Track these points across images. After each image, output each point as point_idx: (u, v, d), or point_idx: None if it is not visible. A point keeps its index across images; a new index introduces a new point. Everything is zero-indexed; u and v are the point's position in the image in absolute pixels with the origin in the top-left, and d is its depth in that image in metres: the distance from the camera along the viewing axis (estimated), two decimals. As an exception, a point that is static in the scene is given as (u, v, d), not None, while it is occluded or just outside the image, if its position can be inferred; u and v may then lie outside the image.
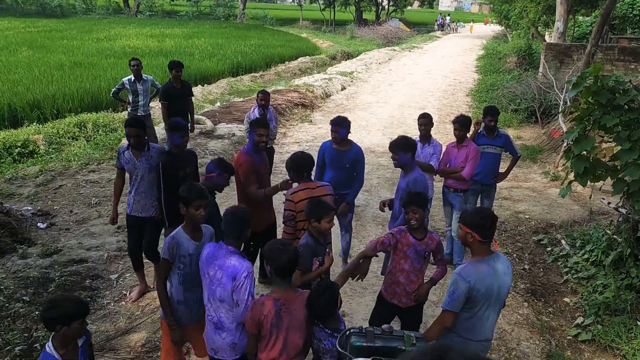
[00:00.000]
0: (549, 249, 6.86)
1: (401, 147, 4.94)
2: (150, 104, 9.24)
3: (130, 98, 8.82)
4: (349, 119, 5.88)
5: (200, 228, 3.77)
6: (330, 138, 5.93)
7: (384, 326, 3.35)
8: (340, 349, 3.36)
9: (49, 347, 2.97)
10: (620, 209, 6.21)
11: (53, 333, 2.97)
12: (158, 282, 3.81)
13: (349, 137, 5.89)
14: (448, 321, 3.36)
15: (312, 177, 5.17)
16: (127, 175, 5.31)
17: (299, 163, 4.71)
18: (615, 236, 6.01)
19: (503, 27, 38.94)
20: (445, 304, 3.32)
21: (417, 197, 4.06)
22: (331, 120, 5.80)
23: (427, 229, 4.21)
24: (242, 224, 3.52)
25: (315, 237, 3.98)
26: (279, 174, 8.52)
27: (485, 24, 65.10)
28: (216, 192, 4.74)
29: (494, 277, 3.29)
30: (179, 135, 5.14)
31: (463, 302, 3.29)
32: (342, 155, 5.74)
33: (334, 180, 5.71)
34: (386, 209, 5.46)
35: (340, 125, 5.67)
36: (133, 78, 8.77)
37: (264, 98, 7.66)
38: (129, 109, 8.98)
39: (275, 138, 8.20)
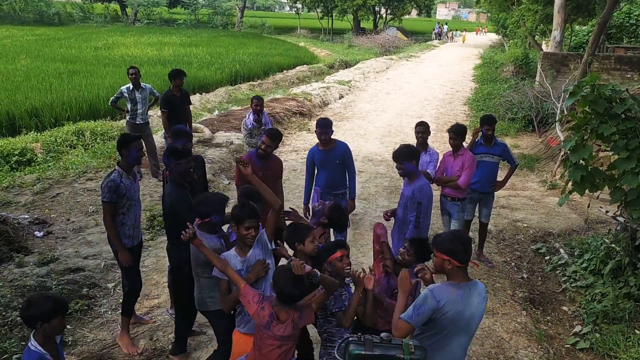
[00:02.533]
0: (548, 257, 6.87)
1: (405, 157, 4.94)
2: (148, 112, 9.25)
3: (129, 106, 8.83)
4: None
5: (251, 245, 3.74)
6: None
7: (383, 334, 3.34)
8: (338, 357, 3.35)
9: (33, 345, 3.02)
10: (618, 218, 6.23)
11: (34, 331, 3.03)
12: (229, 298, 3.71)
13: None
14: (401, 332, 3.11)
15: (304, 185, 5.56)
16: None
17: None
18: (613, 245, 6.01)
19: (499, 36, 39.17)
20: (406, 315, 3.11)
21: (425, 251, 3.83)
22: (318, 123, 6.05)
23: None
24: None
25: None
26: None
27: (477, 34, 65.18)
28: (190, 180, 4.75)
29: (467, 304, 3.11)
30: (182, 141, 5.23)
31: (424, 321, 3.09)
32: (330, 154, 6.00)
33: (329, 181, 5.99)
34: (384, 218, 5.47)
35: (329, 126, 6.00)
36: (131, 86, 8.78)
37: (258, 103, 7.82)
38: (127, 118, 8.99)
39: None
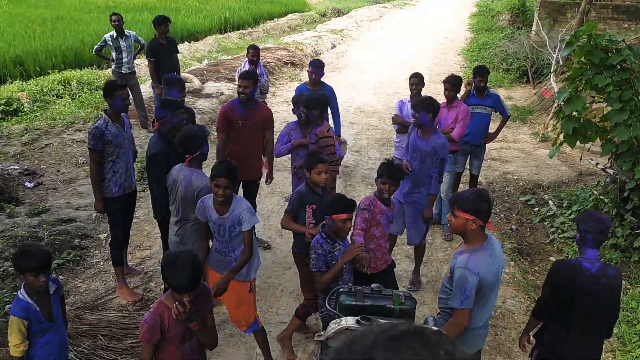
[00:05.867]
0: (536, 209, 6.93)
1: (423, 107, 4.81)
2: (134, 61, 9.02)
3: (114, 55, 8.59)
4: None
5: (228, 203, 3.68)
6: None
7: (373, 285, 3.40)
8: (329, 307, 3.41)
9: (22, 293, 3.07)
10: (607, 170, 6.26)
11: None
12: (201, 241, 4.01)
13: None
14: (466, 320, 3.06)
15: None
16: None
17: (323, 101, 5.02)
18: (602, 197, 6.07)
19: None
20: (459, 303, 3.02)
21: (398, 172, 4.19)
22: (311, 63, 6.35)
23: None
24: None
25: (310, 187, 4.17)
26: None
27: None
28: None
29: (495, 261, 3.11)
30: (177, 90, 5.14)
31: (474, 297, 3.03)
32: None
33: None
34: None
35: (321, 67, 6.32)
36: (115, 34, 8.51)
37: (255, 54, 7.59)
38: (112, 67, 8.77)
39: (268, 92, 8.14)
